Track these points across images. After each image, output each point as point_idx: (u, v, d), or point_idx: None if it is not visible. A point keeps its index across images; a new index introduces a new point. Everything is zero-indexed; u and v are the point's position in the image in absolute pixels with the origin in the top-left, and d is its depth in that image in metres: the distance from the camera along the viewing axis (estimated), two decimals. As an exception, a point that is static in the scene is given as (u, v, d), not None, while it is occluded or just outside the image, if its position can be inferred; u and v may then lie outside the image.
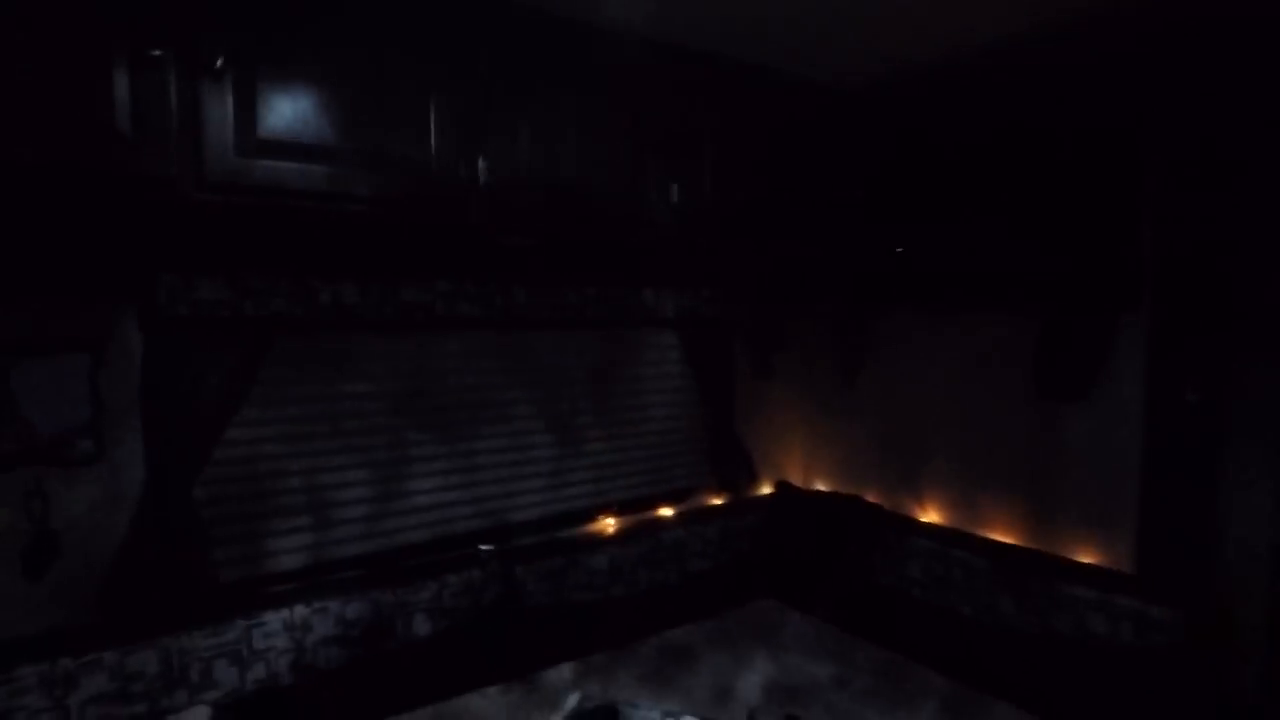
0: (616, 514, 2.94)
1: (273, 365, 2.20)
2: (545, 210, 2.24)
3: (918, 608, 2.71)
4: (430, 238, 2.25)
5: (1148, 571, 2.35)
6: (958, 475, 2.92)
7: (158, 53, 1.57)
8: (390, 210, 1.96)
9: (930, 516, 2.96)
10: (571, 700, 2.06)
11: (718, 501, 3.25)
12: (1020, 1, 2.08)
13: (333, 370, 2.33)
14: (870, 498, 3.15)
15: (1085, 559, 2.46)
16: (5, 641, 1.81)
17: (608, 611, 2.66)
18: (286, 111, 1.76)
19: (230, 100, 1.68)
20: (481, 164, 2.09)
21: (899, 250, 2.82)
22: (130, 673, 1.90)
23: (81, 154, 1.55)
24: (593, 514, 2.90)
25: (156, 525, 2.01)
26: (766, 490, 3.40)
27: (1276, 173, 2.06)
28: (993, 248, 2.56)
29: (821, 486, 3.40)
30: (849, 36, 2.36)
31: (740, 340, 3.26)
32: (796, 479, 3.48)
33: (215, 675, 2.02)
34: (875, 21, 2.23)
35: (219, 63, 1.65)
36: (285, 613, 2.13)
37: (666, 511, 3.07)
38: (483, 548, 2.57)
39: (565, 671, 2.25)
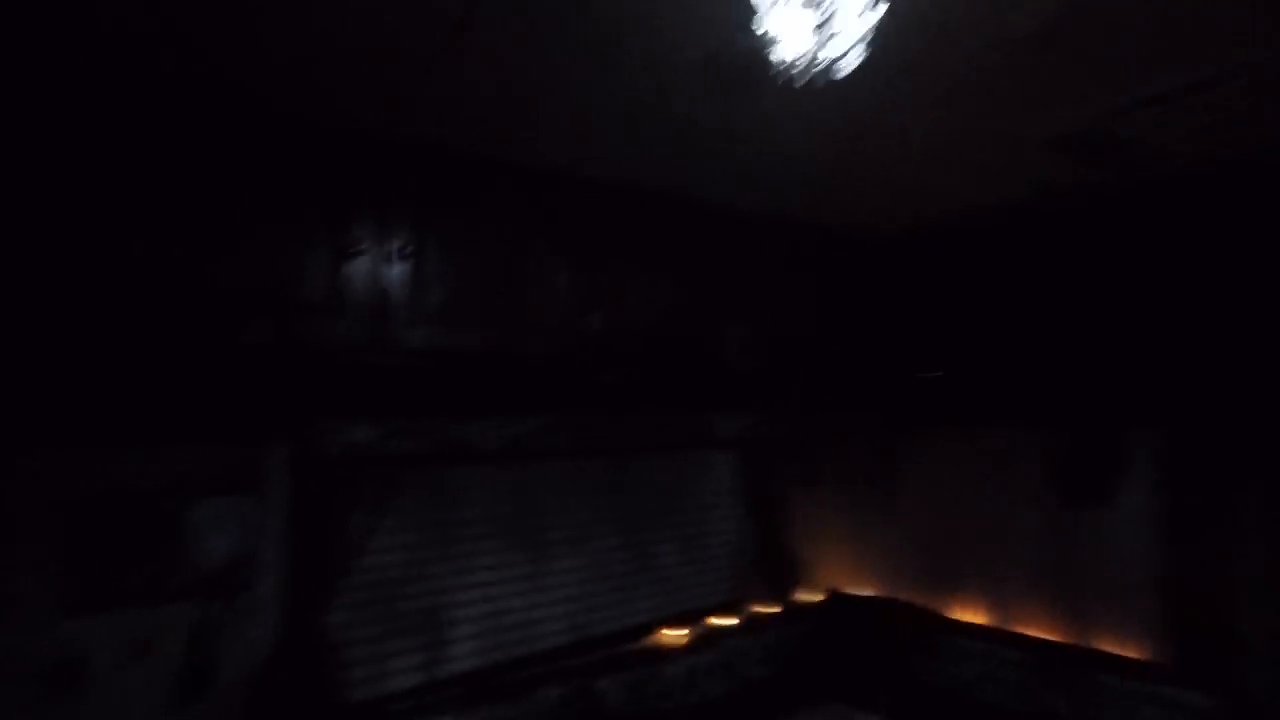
0: (678, 625, 3.14)
1: (400, 496, 2.44)
2: (641, 352, 2.59)
3: (969, 705, 2.92)
4: (545, 380, 2.56)
5: (1180, 661, 2.61)
6: (991, 576, 3.18)
7: (364, 245, 1.92)
8: (522, 363, 2.29)
9: (970, 615, 3.21)
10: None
11: (772, 609, 3.45)
12: (1028, 173, 2.50)
13: (448, 499, 2.57)
14: (913, 599, 3.40)
15: (1117, 649, 2.72)
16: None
17: (689, 717, 2.83)
18: (449, 285, 2.10)
19: (408, 279, 2.02)
20: (596, 317, 2.45)
21: (937, 374, 3.21)
22: (283, 794, 2.03)
23: (301, 329, 1.86)
24: (658, 626, 3.09)
25: (296, 650, 2.19)
26: (818, 597, 3.62)
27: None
28: (1016, 370, 2.95)
29: (869, 591, 3.63)
30: (885, 195, 2.81)
31: (788, 458, 3.56)
32: (842, 583, 3.71)
33: (354, 795, 2.15)
34: (906, 185, 2.66)
35: (404, 249, 2.00)
36: (411, 731, 2.28)
37: (724, 621, 3.27)
38: (568, 663, 2.75)
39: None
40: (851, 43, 1.07)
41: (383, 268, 1.97)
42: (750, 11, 1.10)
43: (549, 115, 1.91)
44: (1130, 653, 2.72)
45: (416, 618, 2.48)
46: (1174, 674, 2.57)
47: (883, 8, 1.05)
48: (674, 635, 3.09)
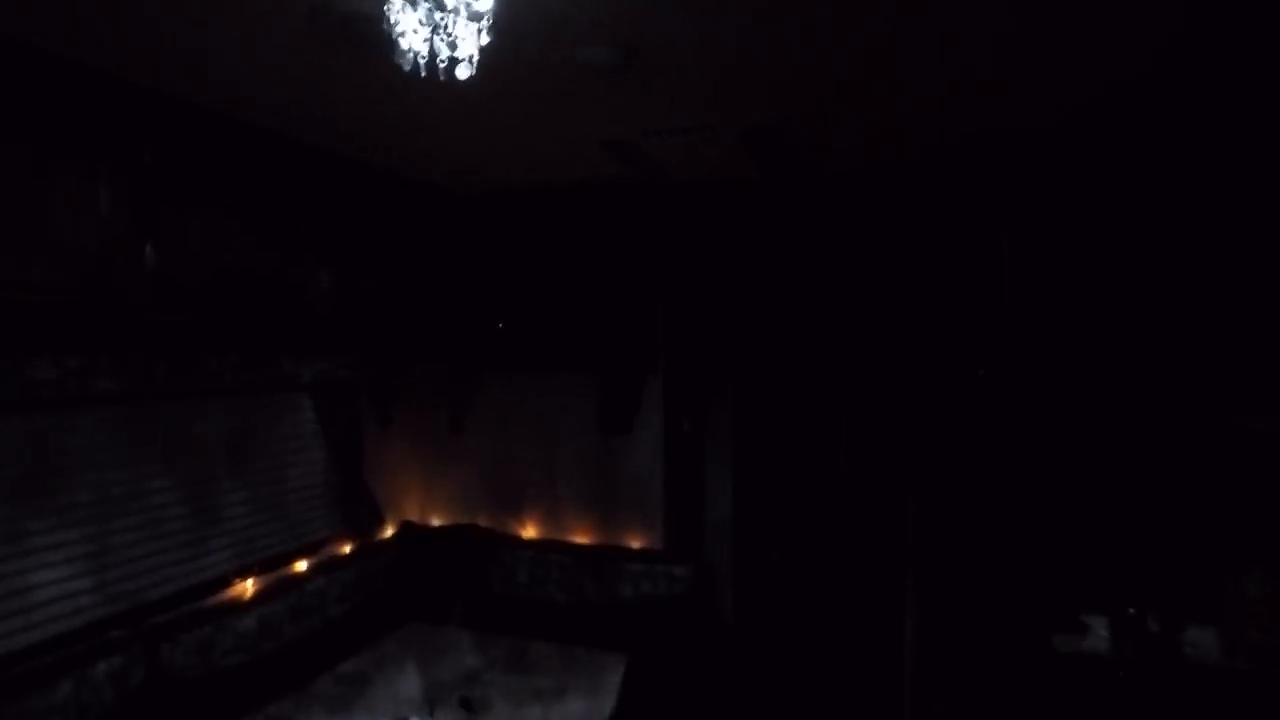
0: (258, 574, 3.04)
1: None
2: (208, 291, 2.41)
3: (528, 602, 3.50)
4: (77, 318, 2.20)
5: (671, 546, 3.55)
6: (546, 496, 3.81)
7: None
8: (46, 297, 1.96)
9: (529, 532, 3.79)
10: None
11: (352, 547, 3.54)
12: (587, 163, 3.00)
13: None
14: (482, 523, 3.85)
15: (636, 544, 3.57)
16: None
17: (267, 666, 2.79)
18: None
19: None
20: (149, 250, 2.20)
21: (500, 325, 3.63)
22: None
23: None
24: (234, 578, 2.95)
25: None
26: (391, 531, 3.81)
27: (716, 307, 3.47)
28: (567, 325, 3.53)
29: (439, 520, 3.96)
30: (476, 164, 3.07)
31: (368, 400, 3.63)
32: (415, 516, 3.97)
33: None
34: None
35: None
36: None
37: (304, 564, 3.26)
38: (116, 633, 2.47)
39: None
40: (466, 54, 1.27)
41: None
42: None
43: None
44: (643, 544, 3.59)
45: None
46: (668, 555, 3.50)
47: (488, 36, 1.27)
48: (250, 586, 2.98)
